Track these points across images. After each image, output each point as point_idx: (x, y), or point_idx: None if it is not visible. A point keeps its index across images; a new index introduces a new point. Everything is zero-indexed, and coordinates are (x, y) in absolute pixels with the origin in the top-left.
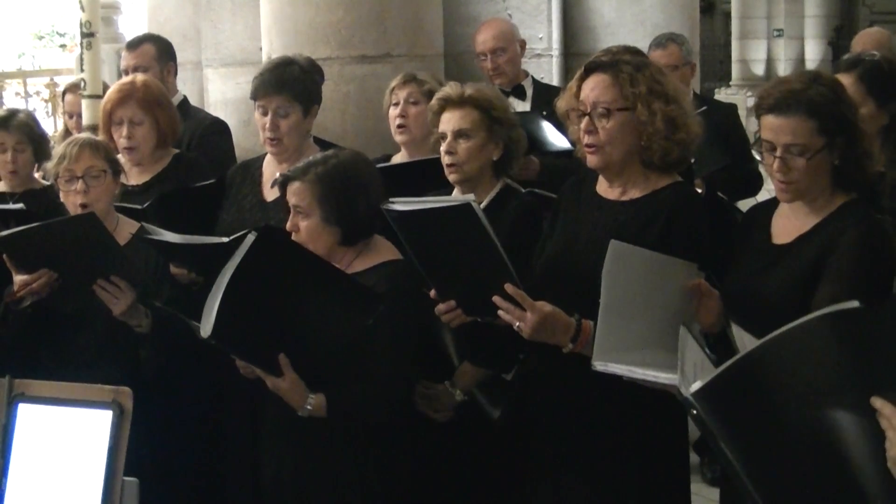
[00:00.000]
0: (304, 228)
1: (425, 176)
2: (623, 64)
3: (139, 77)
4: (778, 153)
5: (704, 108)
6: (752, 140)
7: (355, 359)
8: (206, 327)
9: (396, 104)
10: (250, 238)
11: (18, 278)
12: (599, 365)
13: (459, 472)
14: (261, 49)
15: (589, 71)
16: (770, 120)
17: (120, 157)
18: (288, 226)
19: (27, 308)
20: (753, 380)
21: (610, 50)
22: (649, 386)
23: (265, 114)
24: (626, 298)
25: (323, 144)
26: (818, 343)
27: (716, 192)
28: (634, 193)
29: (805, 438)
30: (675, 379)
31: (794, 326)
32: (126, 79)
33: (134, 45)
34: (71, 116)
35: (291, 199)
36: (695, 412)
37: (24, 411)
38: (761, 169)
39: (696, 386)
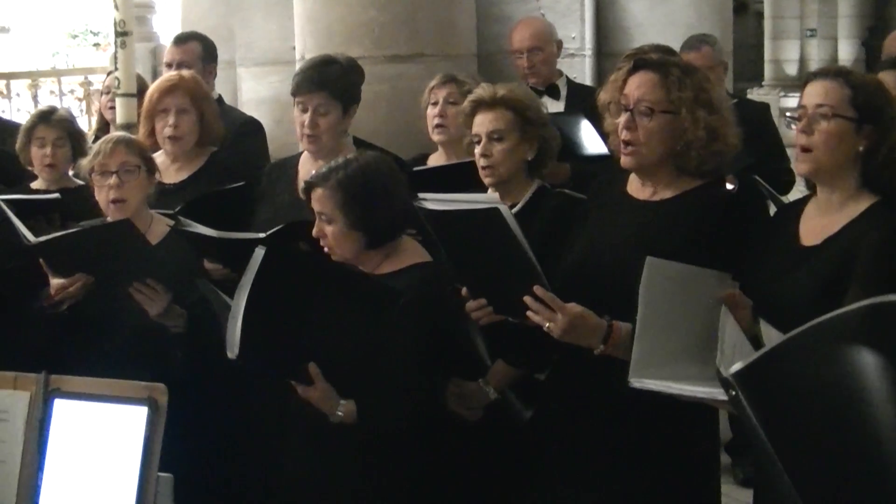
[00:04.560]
0: (330, 234)
1: (460, 179)
2: (672, 66)
3: (186, 72)
4: (808, 112)
5: (736, 100)
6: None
7: (380, 361)
8: (233, 349)
9: (435, 104)
10: (259, 253)
11: (55, 282)
12: (636, 382)
13: (475, 474)
14: (293, 48)
15: (637, 67)
16: (809, 87)
17: (158, 154)
18: (314, 232)
19: (64, 311)
20: (795, 364)
21: (643, 49)
22: (686, 400)
23: (304, 110)
24: (663, 314)
25: (361, 144)
26: (861, 332)
27: (754, 186)
28: (665, 194)
29: (844, 428)
30: (712, 392)
31: (838, 314)
32: (173, 72)
33: (181, 40)
34: (108, 92)
35: (315, 206)
36: (733, 393)
37: (60, 407)
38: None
39: (737, 367)
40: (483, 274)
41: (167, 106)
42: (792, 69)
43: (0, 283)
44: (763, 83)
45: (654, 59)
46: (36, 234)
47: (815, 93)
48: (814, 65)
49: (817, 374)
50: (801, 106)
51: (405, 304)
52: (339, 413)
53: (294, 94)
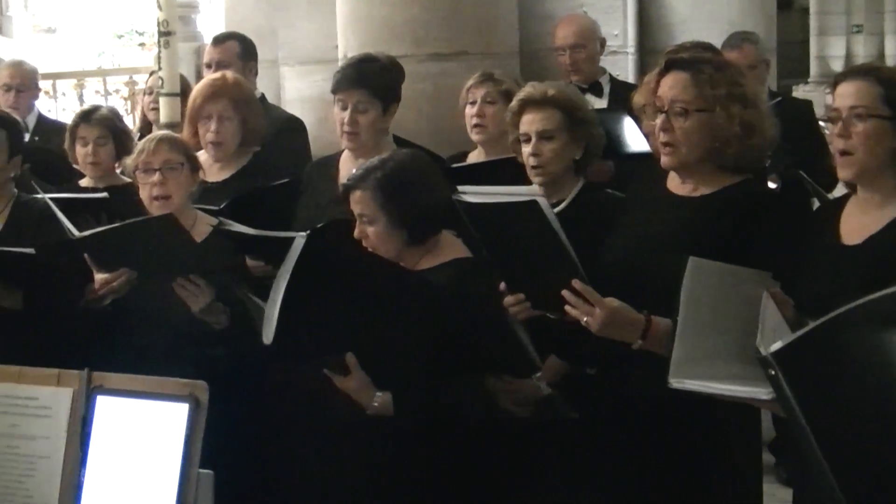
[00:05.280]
0: (373, 234)
1: (499, 176)
2: (704, 63)
3: (229, 74)
4: (843, 115)
5: (779, 98)
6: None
7: (416, 354)
8: (268, 334)
9: (473, 103)
10: (300, 242)
11: (99, 277)
12: (676, 382)
13: (505, 472)
14: (336, 47)
15: (669, 67)
16: (840, 88)
17: (202, 153)
18: (356, 234)
19: (107, 306)
20: (836, 344)
21: (683, 45)
22: (727, 400)
23: (344, 108)
24: (704, 313)
25: (402, 143)
26: None
27: (799, 183)
28: (706, 190)
29: (883, 409)
30: (754, 391)
31: (883, 294)
32: (216, 75)
33: (219, 40)
34: (151, 92)
35: (355, 208)
36: (772, 372)
37: (103, 403)
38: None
39: (777, 346)
40: (521, 268)
41: (210, 112)
42: (838, 66)
43: (46, 279)
44: (808, 80)
45: (686, 59)
46: (82, 231)
47: (847, 94)
48: (860, 61)
49: (858, 354)
50: (833, 108)
51: (432, 301)
52: (375, 404)
53: (334, 91)
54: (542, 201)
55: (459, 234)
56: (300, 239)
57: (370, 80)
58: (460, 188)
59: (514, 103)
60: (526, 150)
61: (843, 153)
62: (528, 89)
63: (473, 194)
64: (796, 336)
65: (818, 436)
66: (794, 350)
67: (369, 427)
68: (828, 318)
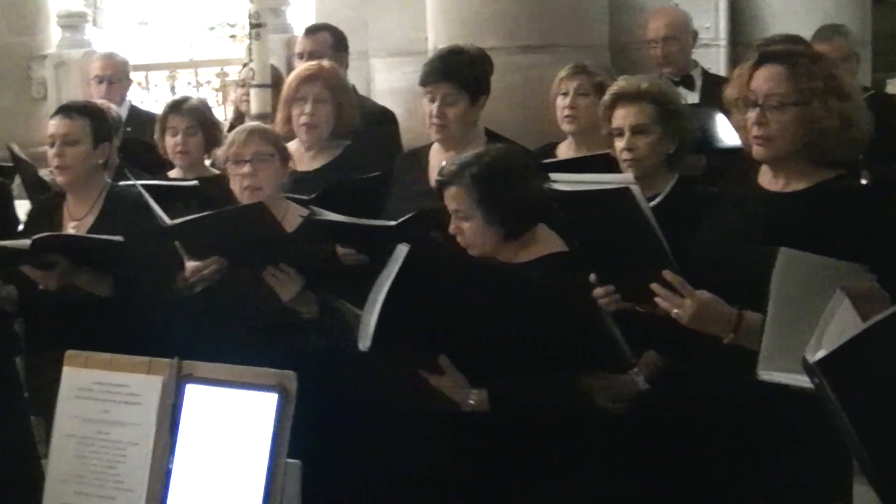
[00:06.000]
0: (468, 230)
1: (593, 172)
2: (799, 56)
3: (326, 62)
4: None
5: (871, 92)
6: None
7: (516, 350)
8: (366, 341)
9: (565, 94)
10: (403, 250)
11: (190, 264)
12: (765, 374)
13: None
14: (426, 39)
15: (762, 60)
16: None
17: (292, 143)
18: (451, 229)
19: (199, 294)
20: (882, 350)
21: (773, 38)
22: (816, 394)
23: (433, 101)
24: (795, 306)
25: (493, 136)
26: None
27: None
28: (798, 186)
29: None
30: None
31: None
32: (313, 62)
33: (312, 31)
34: (243, 85)
35: (450, 204)
36: (817, 381)
37: (192, 392)
38: None
39: (821, 354)
40: (612, 258)
41: (305, 94)
42: None
43: (137, 266)
44: None
45: (780, 51)
46: (174, 219)
47: None
48: None
49: None
50: None
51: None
52: (471, 401)
53: (422, 83)
54: (635, 189)
55: (554, 228)
56: (402, 248)
57: (457, 72)
58: (552, 176)
59: (606, 97)
60: (619, 144)
61: None
62: (621, 83)
63: (565, 182)
64: (841, 343)
65: (866, 442)
66: (839, 358)
67: (456, 422)
68: (873, 323)
